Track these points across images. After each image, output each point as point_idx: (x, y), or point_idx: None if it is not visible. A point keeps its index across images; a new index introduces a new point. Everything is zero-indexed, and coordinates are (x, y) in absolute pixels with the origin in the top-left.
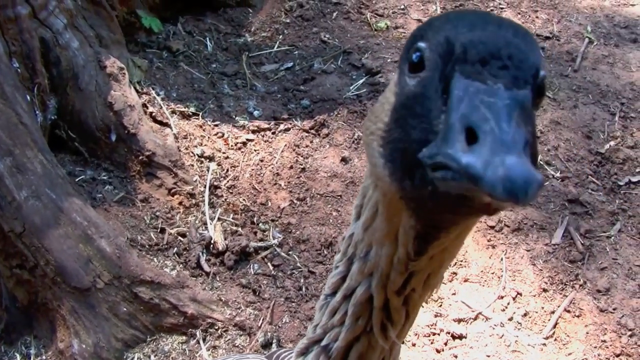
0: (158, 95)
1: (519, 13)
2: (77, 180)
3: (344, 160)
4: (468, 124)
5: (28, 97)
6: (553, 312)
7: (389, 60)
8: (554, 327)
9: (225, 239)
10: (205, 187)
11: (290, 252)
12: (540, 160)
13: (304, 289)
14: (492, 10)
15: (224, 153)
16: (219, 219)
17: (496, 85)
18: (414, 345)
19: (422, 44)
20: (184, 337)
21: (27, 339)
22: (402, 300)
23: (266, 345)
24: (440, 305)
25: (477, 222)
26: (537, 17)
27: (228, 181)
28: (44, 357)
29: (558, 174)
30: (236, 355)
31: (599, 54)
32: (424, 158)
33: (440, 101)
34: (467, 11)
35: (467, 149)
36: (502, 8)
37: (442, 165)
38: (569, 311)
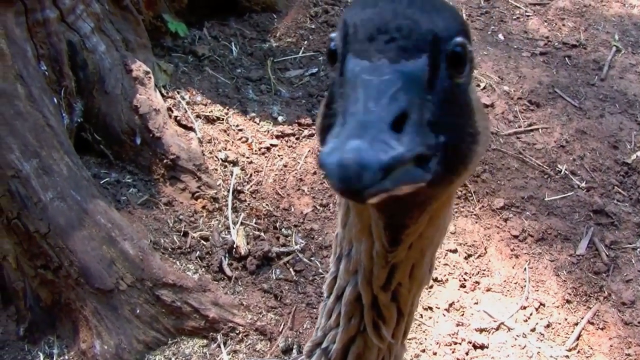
0: (183, 99)
1: (546, 21)
2: (101, 182)
3: None
4: (344, 106)
5: (55, 100)
6: (576, 324)
7: None
8: (577, 339)
9: (247, 244)
10: (228, 191)
11: (312, 258)
12: (566, 169)
13: None
14: (517, 17)
15: (247, 158)
16: (241, 223)
17: (380, 61)
18: (435, 354)
19: (333, 34)
20: (205, 341)
21: (50, 339)
22: (389, 296)
23: (287, 350)
24: (462, 315)
25: (448, 204)
26: (563, 25)
27: (251, 186)
28: (66, 357)
29: (583, 184)
30: (255, 359)
31: (627, 62)
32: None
33: (340, 84)
34: None
35: (337, 134)
36: (528, 15)
37: None
38: (592, 323)
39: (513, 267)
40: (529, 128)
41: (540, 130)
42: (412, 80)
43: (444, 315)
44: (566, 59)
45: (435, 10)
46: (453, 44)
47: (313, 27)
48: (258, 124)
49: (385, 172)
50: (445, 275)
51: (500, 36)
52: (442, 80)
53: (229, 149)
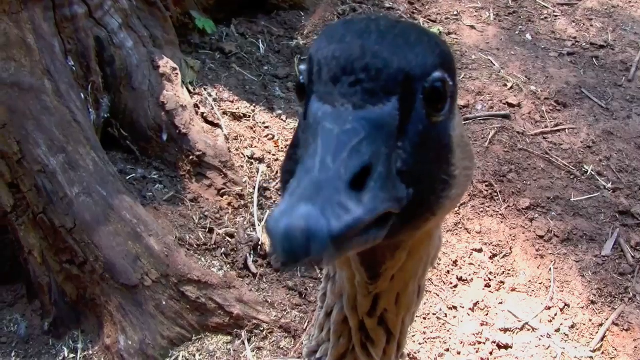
0: (210, 96)
1: (574, 21)
2: (127, 178)
3: None
4: (302, 157)
5: (82, 95)
6: (601, 325)
7: None
8: (602, 340)
9: None
10: (254, 188)
11: None
12: (592, 170)
13: None
14: (545, 17)
15: (274, 155)
16: (267, 220)
17: (343, 107)
18: (458, 353)
19: (302, 67)
20: (229, 337)
21: (75, 334)
22: (376, 321)
23: None
24: (487, 314)
25: (429, 238)
26: (591, 25)
27: (277, 183)
28: (90, 352)
29: (610, 185)
30: (279, 358)
31: None
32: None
33: (303, 127)
34: (348, 20)
35: (292, 191)
36: (556, 16)
37: None
38: (617, 324)
39: (538, 268)
40: (556, 128)
41: (566, 130)
42: (379, 127)
43: (469, 315)
44: (594, 59)
45: (409, 45)
46: (431, 81)
47: None
48: (284, 121)
49: (337, 241)
50: (470, 275)
51: (528, 36)
52: (417, 123)
53: (255, 146)
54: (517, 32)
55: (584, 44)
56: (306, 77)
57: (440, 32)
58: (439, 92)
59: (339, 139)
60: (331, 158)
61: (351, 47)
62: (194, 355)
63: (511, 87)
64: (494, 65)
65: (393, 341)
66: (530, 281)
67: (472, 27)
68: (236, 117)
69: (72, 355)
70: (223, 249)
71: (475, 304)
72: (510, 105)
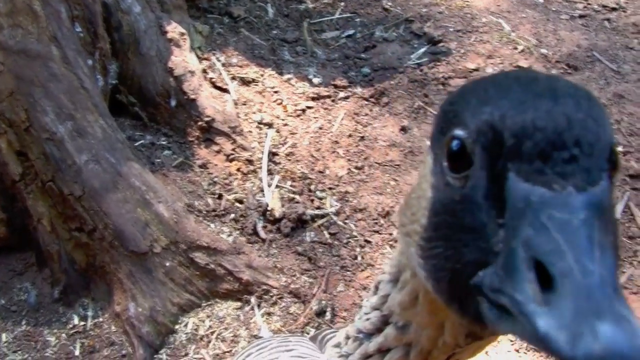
0: (218, 61)
1: None
2: (136, 144)
3: (403, 129)
4: (536, 256)
5: (90, 62)
6: None
7: (451, 29)
8: None
9: (282, 206)
10: (263, 153)
11: (346, 221)
12: None
13: (359, 257)
14: None
15: (282, 120)
16: (276, 186)
17: (565, 190)
18: None
19: (460, 132)
20: (239, 303)
21: (85, 301)
22: None
23: (320, 313)
24: None
25: None
26: None
27: (286, 148)
28: (100, 319)
29: (620, 149)
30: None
31: None
32: (483, 287)
33: (495, 211)
34: (509, 77)
35: (541, 298)
36: None
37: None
38: (626, 288)
39: None
40: None
41: None
42: (602, 212)
43: None
44: (605, 22)
45: (600, 110)
46: (614, 148)
47: None
48: (293, 85)
49: None
50: None
51: None
52: (612, 196)
53: (264, 111)
54: None
55: (596, 6)
56: (484, 147)
57: None
58: (616, 157)
59: (584, 233)
60: (588, 259)
61: (555, 116)
62: (204, 321)
63: (522, 50)
64: (505, 28)
65: None
66: None
67: None
68: (245, 82)
69: (82, 323)
70: (232, 215)
71: None
72: (521, 68)
